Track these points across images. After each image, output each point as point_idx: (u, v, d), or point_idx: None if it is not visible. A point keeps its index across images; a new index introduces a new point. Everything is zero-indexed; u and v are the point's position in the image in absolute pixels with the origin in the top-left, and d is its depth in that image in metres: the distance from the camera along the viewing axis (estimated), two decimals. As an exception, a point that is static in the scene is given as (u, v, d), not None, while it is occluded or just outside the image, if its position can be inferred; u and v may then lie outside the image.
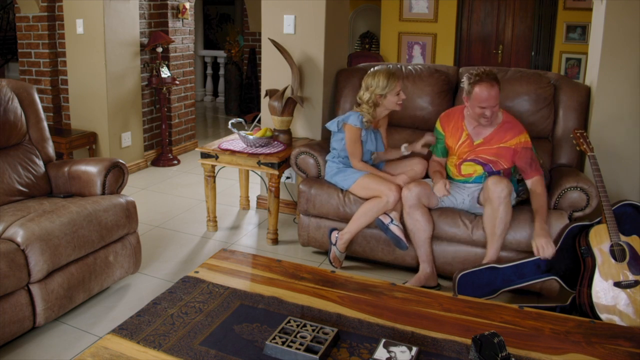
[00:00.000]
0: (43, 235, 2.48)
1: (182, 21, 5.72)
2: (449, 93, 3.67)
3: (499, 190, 2.81)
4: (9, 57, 8.88)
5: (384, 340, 1.82)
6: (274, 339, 1.82)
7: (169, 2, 5.48)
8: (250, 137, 3.64)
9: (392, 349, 1.78)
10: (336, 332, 1.88)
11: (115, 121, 4.93)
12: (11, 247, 2.40)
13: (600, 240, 2.65)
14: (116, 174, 3.07)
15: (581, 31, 6.53)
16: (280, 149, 3.62)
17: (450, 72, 3.74)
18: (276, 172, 3.52)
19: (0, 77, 5.02)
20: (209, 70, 9.10)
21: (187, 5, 5.69)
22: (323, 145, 3.61)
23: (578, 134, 2.97)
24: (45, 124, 3.24)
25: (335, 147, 3.37)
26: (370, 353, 1.81)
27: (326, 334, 1.86)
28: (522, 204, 3.08)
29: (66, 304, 2.63)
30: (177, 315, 2.00)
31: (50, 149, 3.25)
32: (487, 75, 2.84)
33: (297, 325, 1.89)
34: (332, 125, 3.36)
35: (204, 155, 3.69)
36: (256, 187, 4.48)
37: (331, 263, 3.32)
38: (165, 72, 5.27)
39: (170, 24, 5.54)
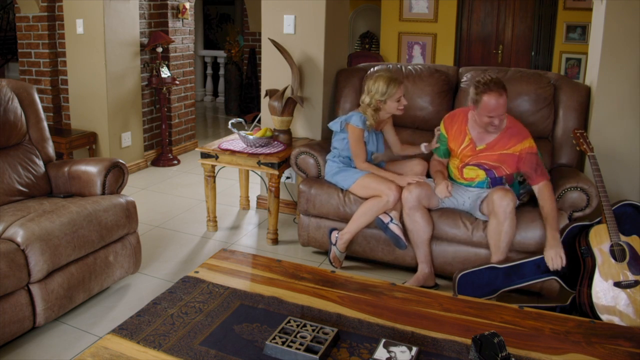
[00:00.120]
0: (43, 235, 2.48)
1: (182, 21, 5.72)
2: (449, 93, 3.67)
3: (504, 205, 2.79)
4: (9, 57, 8.88)
5: (384, 340, 1.82)
6: (274, 339, 1.82)
7: (169, 2, 5.48)
8: (250, 137, 3.64)
9: (392, 349, 1.78)
10: (336, 332, 1.88)
11: (115, 121, 4.93)
12: (11, 247, 2.40)
13: (600, 240, 2.65)
14: (116, 174, 3.07)
15: (581, 31, 6.53)
16: (280, 149, 3.62)
17: (450, 72, 3.74)
18: (276, 172, 3.52)
19: (0, 77, 5.02)
20: (209, 70, 9.10)
21: (187, 5, 5.69)
22: (323, 145, 3.61)
23: (578, 134, 2.97)
24: (45, 124, 3.24)
25: (336, 147, 3.37)
26: (370, 353, 1.81)
27: (326, 334, 1.86)
28: (522, 205, 3.08)
29: (66, 304, 2.63)
30: (177, 315, 2.00)
31: (50, 149, 3.25)
32: (495, 84, 2.80)
33: (297, 325, 1.89)
34: (334, 125, 3.36)
35: (204, 155, 3.69)
36: (256, 187, 4.48)
37: (331, 263, 3.32)
38: (165, 72, 5.27)
39: (170, 24, 5.54)
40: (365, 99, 3.22)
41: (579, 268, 2.72)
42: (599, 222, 2.74)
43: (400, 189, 3.09)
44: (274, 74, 4.02)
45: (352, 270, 3.32)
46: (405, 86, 3.31)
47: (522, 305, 2.20)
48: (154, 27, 5.38)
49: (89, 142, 4.86)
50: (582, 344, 1.92)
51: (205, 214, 3.99)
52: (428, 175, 3.26)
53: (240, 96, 8.22)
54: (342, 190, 3.30)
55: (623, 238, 2.64)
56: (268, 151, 3.57)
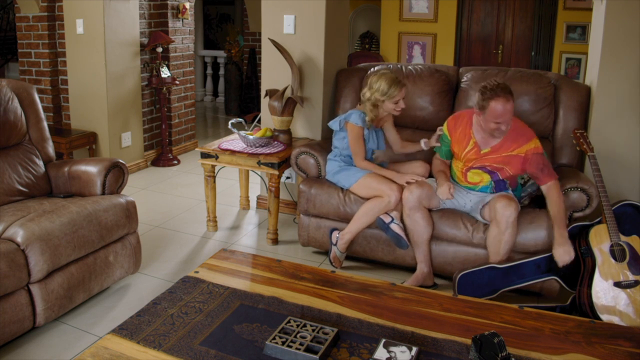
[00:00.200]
0: (43, 235, 2.48)
1: (182, 21, 5.72)
2: (449, 93, 3.67)
3: (507, 215, 2.78)
4: (9, 57, 8.88)
5: (384, 340, 1.82)
6: (274, 339, 1.82)
7: (169, 2, 5.48)
8: (250, 137, 3.64)
9: (392, 349, 1.78)
10: (336, 332, 1.88)
11: (115, 121, 4.93)
12: (11, 247, 2.40)
13: (600, 240, 2.65)
14: (116, 174, 3.07)
15: (581, 31, 6.53)
16: (280, 149, 3.62)
17: (450, 72, 3.74)
18: (276, 172, 3.52)
19: (0, 77, 5.02)
20: (209, 70, 9.09)
21: (187, 5, 5.69)
22: (323, 145, 3.61)
23: (578, 134, 2.97)
24: (45, 124, 3.24)
25: (337, 146, 3.37)
26: (370, 353, 1.81)
27: (326, 334, 1.86)
28: (522, 207, 3.07)
29: (66, 304, 2.63)
30: (177, 315, 2.00)
31: (50, 149, 3.25)
32: (502, 90, 2.76)
33: (297, 325, 1.89)
34: (334, 124, 3.36)
35: (204, 155, 3.69)
36: (256, 187, 4.48)
37: (331, 263, 3.32)
38: (165, 72, 5.27)
39: (170, 24, 5.54)
40: (366, 93, 3.22)
41: (579, 268, 2.72)
42: (599, 222, 2.74)
43: (402, 189, 3.08)
44: (274, 74, 4.02)
45: (352, 270, 3.32)
46: (407, 90, 3.29)
47: (522, 305, 2.20)
48: (154, 27, 5.38)
49: (89, 142, 4.86)
50: (582, 344, 1.92)
51: (205, 214, 3.99)
52: (430, 176, 3.26)
53: (240, 96, 8.22)
54: (342, 190, 3.30)
55: (623, 238, 2.65)
56: (268, 151, 3.57)
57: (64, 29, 4.85)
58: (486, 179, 3.01)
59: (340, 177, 3.29)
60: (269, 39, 3.85)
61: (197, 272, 2.34)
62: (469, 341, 1.84)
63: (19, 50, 5.05)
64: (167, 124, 5.51)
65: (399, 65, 3.83)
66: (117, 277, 2.95)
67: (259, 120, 4.23)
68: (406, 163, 3.38)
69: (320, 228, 3.39)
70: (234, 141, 3.79)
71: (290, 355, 1.76)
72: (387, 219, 3.10)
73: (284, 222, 4.02)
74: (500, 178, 2.98)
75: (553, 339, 1.95)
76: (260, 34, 6.27)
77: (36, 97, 3.23)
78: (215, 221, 3.88)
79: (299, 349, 1.77)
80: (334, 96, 4.04)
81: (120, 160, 3.12)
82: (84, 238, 2.66)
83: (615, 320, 2.50)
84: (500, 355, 1.67)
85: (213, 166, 3.72)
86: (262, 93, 4.04)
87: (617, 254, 2.61)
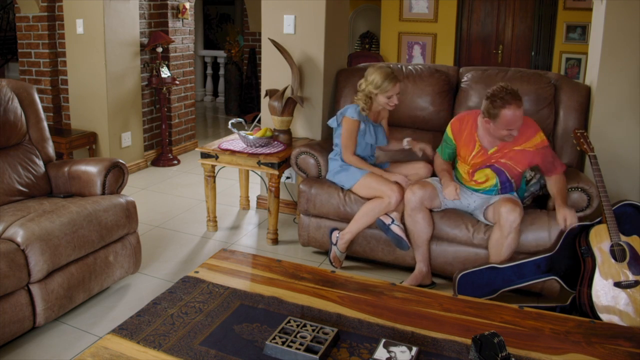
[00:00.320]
0: (43, 235, 2.48)
1: (182, 21, 5.72)
2: (449, 93, 3.66)
3: (511, 220, 2.77)
4: (9, 57, 8.88)
5: (384, 340, 1.82)
6: (274, 339, 1.82)
7: (169, 2, 5.48)
8: (250, 137, 3.64)
9: (392, 349, 1.78)
10: (336, 332, 1.88)
11: (115, 121, 4.93)
12: (11, 247, 2.40)
13: (600, 240, 2.65)
14: (116, 174, 3.07)
15: (581, 31, 6.53)
16: (280, 149, 3.62)
17: (450, 72, 3.74)
18: (276, 172, 3.52)
19: (0, 77, 5.02)
20: (209, 70, 9.10)
21: (187, 5, 5.69)
22: (323, 145, 3.61)
23: (578, 134, 2.96)
24: (45, 124, 3.24)
25: (337, 143, 3.37)
26: (370, 353, 1.81)
27: (326, 334, 1.86)
28: (524, 207, 3.07)
29: (66, 304, 2.63)
30: (177, 315, 2.00)
31: (50, 149, 3.25)
32: (512, 96, 2.73)
33: (297, 325, 1.89)
34: (332, 121, 3.37)
35: (204, 155, 3.69)
36: (256, 187, 4.48)
37: (331, 263, 3.32)
38: (165, 72, 5.27)
39: (170, 24, 5.54)
40: (362, 84, 3.24)
41: (579, 268, 2.72)
42: (599, 222, 2.74)
43: (402, 190, 3.08)
44: (274, 74, 4.02)
45: (352, 270, 3.32)
46: (401, 86, 3.29)
47: (522, 305, 2.20)
48: (154, 27, 5.38)
49: (89, 142, 4.86)
50: (582, 344, 1.92)
51: (205, 214, 3.99)
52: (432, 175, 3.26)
53: (240, 96, 8.22)
54: (342, 189, 3.30)
55: (623, 238, 2.64)
56: (268, 151, 3.57)
57: (64, 29, 4.85)
58: (493, 178, 2.98)
59: (341, 177, 3.29)
60: (269, 39, 3.86)
61: (197, 272, 2.34)
62: (469, 341, 1.84)
63: (19, 50, 5.05)
64: (167, 124, 5.51)
65: (399, 65, 3.83)
66: (117, 277, 2.95)
67: (259, 120, 4.23)
68: (408, 163, 3.37)
69: (320, 228, 3.39)
70: (234, 141, 3.79)
71: (290, 355, 1.76)
72: (387, 221, 3.10)
73: (284, 222, 4.02)
74: (508, 177, 2.96)
75: (553, 339, 1.95)
76: (260, 34, 6.27)
77: (36, 97, 3.23)
78: (215, 221, 3.88)
79: (299, 349, 1.77)
80: (334, 96, 4.04)
81: (120, 160, 3.12)
82: (84, 238, 2.66)
83: (615, 320, 2.50)
84: (500, 355, 1.67)
85: (213, 166, 3.72)
86: (262, 93, 4.04)
87: (617, 254, 2.61)
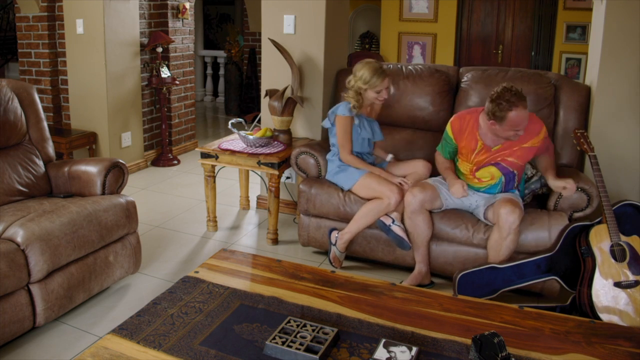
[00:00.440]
0: (43, 235, 2.48)
1: (182, 21, 5.72)
2: (449, 93, 3.66)
3: (510, 221, 2.77)
4: (9, 57, 8.88)
5: (384, 340, 1.82)
6: (274, 339, 1.82)
7: (169, 2, 5.48)
8: (250, 137, 3.64)
9: (392, 349, 1.78)
10: (336, 332, 1.88)
11: (115, 121, 4.93)
12: (11, 247, 2.40)
13: (600, 240, 2.65)
14: (116, 174, 3.07)
15: (581, 31, 6.53)
16: (280, 149, 3.62)
17: (450, 72, 3.74)
18: (276, 172, 3.52)
19: (0, 77, 5.02)
20: (209, 70, 9.09)
21: (187, 5, 5.69)
22: (323, 145, 3.61)
23: (578, 134, 2.96)
24: (45, 124, 3.24)
25: (334, 143, 3.37)
26: (370, 353, 1.81)
27: (326, 334, 1.86)
28: (525, 205, 3.07)
29: (66, 304, 2.63)
30: (177, 315, 2.00)
31: (50, 149, 3.25)
32: (517, 98, 2.72)
33: (297, 325, 1.89)
34: (326, 122, 3.38)
35: (204, 155, 3.69)
36: (256, 187, 4.48)
37: (331, 263, 3.32)
38: (165, 72, 5.27)
39: (170, 24, 5.54)
40: (351, 80, 3.24)
41: (579, 268, 2.72)
42: (599, 222, 2.74)
43: (402, 190, 3.08)
44: (274, 74, 4.02)
45: (352, 270, 3.31)
46: (390, 81, 3.29)
47: (522, 305, 2.20)
48: (154, 27, 5.38)
49: (89, 142, 4.86)
50: (582, 344, 1.92)
51: (205, 214, 3.99)
52: (432, 174, 3.25)
53: (240, 96, 8.22)
54: (342, 190, 3.30)
55: (623, 238, 2.64)
56: (268, 151, 3.57)
57: (64, 29, 4.85)
58: (497, 174, 2.98)
59: (340, 178, 3.29)
60: (269, 39, 3.85)
61: (197, 272, 2.34)
62: (469, 341, 1.84)
63: (19, 50, 5.05)
64: (167, 124, 5.51)
65: (399, 65, 3.83)
66: (117, 277, 2.95)
67: (259, 120, 4.23)
68: (407, 162, 3.37)
69: (320, 228, 3.39)
70: (234, 141, 3.79)
71: (290, 355, 1.76)
72: (387, 221, 3.10)
73: (284, 222, 4.02)
74: (511, 171, 2.96)
75: (553, 339, 1.95)
76: (260, 34, 6.27)
77: (36, 97, 3.23)
78: (215, 221, 3.88)
79: (299, 349, 1.77)
80: (334, 96, 4.04)
81: (120, 160, 3.12)
82: (84, 238, 2.66)
83: (615, 320, 2.50)
84: (500, 355, 1.67)
85: (213, 166, 3.72)
86: (262, 93, 4.04)
87: (617, 254, 2.61)
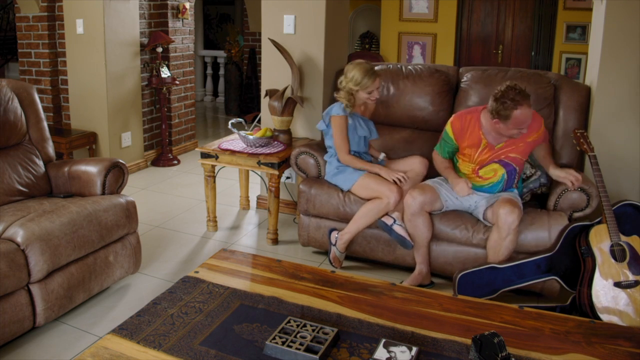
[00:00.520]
0: (43, 235, 2.48)
1: (182, 21, 5.72)
2: (449, 93, 3.66)
3: (510, 222, 2.78)
4: (9, 57, 8.88)
5: (384, 340, 1.82)
6: (274, 339, 1.82)
7: (169, 2, 5.48)
8: (250, 137, 3.64)
9: (392, 349, 1.78)
10: (336, 332, 1.88)
11: (115, 121, 4.93)
12: (11, 247, 2.40)
13: (600, 240, 2.65)
14: (116, 174, 3.07)
15: (581, 31, 6.53)
16: (280, 149, 3.62)
17: (450, 72, 3.73)
18: (276, 172, 3.52)
19: (0, 77, 5.02)
20: (209, 70, 9.09)
21: (187, 5, 5.69)
22: (323, 145, 3.61)
23: (578, 134, 2.96)
24: (45, 124, 3.24)
25: (330, 145, 3.37)
26: (370, 353, 1.81)
27: (326, 334, 1.86)
28: (524, 204, 3.07)
29: (66, 304, 2.63)
30: (177, 315, 2.00)
31: (50, 149, 3.25)
32: (522, 96, 2.74)
33: (297, 325, 1.89)
34: (321, 124, 3.39)
35: (204, 155, 3.69)
36: (256, 187, 4.48)
37: (331, 263, 3.32)
38: (165, 72, 5.27)
39: (170, 24, 5.54)
40: (342, 81, 3.25)
41: (579, 268, 2.72)
42: (599, 222, 2.74)
43: (401, 189, 3.08)
44: (274, 74, 4.02)
45: (352, 270, 3.31)
46: (381, 81, 3.31)
47: (522, 305, 2.20)
48: (154, 27, 5.38)
49: (89, 142, 4.86)
50: (582, 344, 1.92)
51: (205, 214, 3.99)
52: (428, 176, 3.25)
53: (240, 96, 8.22)
54: (342, 190, 3.30)
55: (623, 238, 2.64)
56: (268, 151, 3.57)
57: (64, 29, 4.85)
58: (499, 171, 2.98)
59: (339, 179, 3.29)
60: (269, 39, 3.86)
61: (197, 272, 2.34)
62: (469, 341, 1.84)
63: (19, 50, 5.05)
64: (167, 124, 5.51)
65: (399, 65, 3.83)
66: (117, 277, 2.95)
67: (259, 120, 4.23)
68: (403, 159, 3.34)
69: (320, 228, 3.39)
70: (234, 141, 3.79)
71: (290, 355, 1.76)
72: (389, 221, 3.10)
73: (284, 222, 4.02)
74: (514, 167, 2.97)
75: (553, 339, 1.95)
76: (260, 34, 6.27)
77: (36, 97, 3.23)
78: (215, 221, 3.88)
79: (299, 349, 1.77)
80: (334, 96, 4.03)
81: (120, 160, 3.12)
82: (84, 238, 2.66)
83: (615, 320, 2.50)
84: (500, 355, 1.67)
85: (213, 166, 3.72)
86: (262, 93, 4.04)
87: (617, 254, 2.61)
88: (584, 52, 6.29)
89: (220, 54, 8.79)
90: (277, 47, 3.77)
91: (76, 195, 3.07)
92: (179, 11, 5.61)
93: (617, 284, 2.56)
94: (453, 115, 3.12)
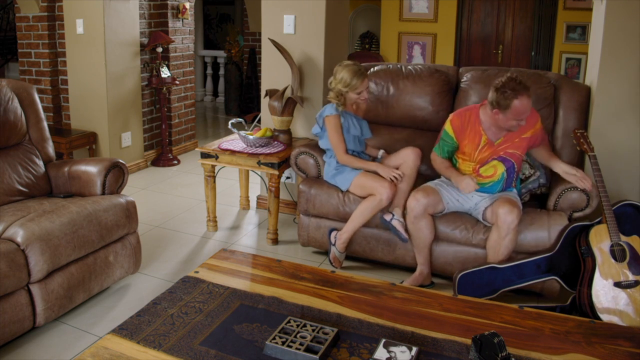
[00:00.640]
0: (43, 235, 2.48)
1: (182, 21, 5.72)
2: (449, 93, 3.66)
3: (509, 221, 2.78)
4: (9, 57, 8.88)
5: (384, 340, 1.82)
6: (274, 339, 1.82)
7: (169, 2, 5.48)
8: (250, 137, 3.64)
9: (392, 349, 1.78)
10: (336, 332, 1.88)
11: (115, 121, 4.93)
12: (11, 247, 2.40)
13: (600, 240, 2.65)
14: (116, 174, 3.07)
15: (581, 31, 6.53)
16: (280, 149, 3.62)
17: (450, 72, 3.73)
18: (276, 172, 3.52)
19: (0, 77, 5.02)
20: (209, 70, 9.09)
21: (187, 5, 5.69)
22: (323, 145, 3.61)
23: (578, 134, 2.97)
24: (45, 124, 3.24)
25: (326, 148, 3.39)
26: (370, 353, 1.81)
27: (326, 334, 1.86)
28: (523, 205, 3.07)
29: (66, 304, 2.63)
30: (177, 315, 2.00)
31: (50, 149, 3.25)
32: (522, 87, 2.76)
33: (297, 325, 1.89)
34: (315, 128, 3.41)
35: (204, 155, 3.69)
36: (256, 187, 4.48)
37: (331, 263, 3.32)
38: (165, 72, 5.27)
39: (170, 24, 5.54)
40: (332, 82, 3.27)
41: (579, 268, 2.72)
42: (599, 222, 2.74)
43: (394, 185, 3.09)
44: (274, 74, 4.02)
45: (352, 270, 3.32)
46: (368, 81, 3.32)
47: (522, 305, 2.20)
48: (154, 27, 5.38)
49: (89, 142, 4.86)
50: (582, 344, 1.92)
51: (205, 214, 3.99)
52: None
53: (240, 96, 8.22)
54: (341, 190, 3.30)
55: (623, 238, 2.64)
56: (268, 151, 3.57)
57: (64, 29, 4.85)
58: (500, 169, 2.98)
59: (338, 179, 3.30)
60: (269, 39, 3.86)
61: (197, 272, 2.34)
62: (469, 341, 1.84)
63: (19, 50, 5.05)
64: (167, 124, 5.51)
65: (398, 65, 3.83)
66: (117, 277, 2.95)
67: (259, 120, 4.23)
68: (397, 153, 3.30)
69: (320, 228, 3.39)
70: (234, 141, 3.79)
71: (290, 355, 1.76)
72: (388, 217, 3.11)
73: (284, 222, 4.02)
74: (513, 163, 2.97)
75: (553, 339, 1.95)
76: (260, 34, 6.27)
77: (36, 97, 3.23)
78: (215, 221, 3.88)
79: (299, 349, 1.77)
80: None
81: (120, 160, 3.12)
82: (84, 238, 2.66)
83: (615, 320, 2.50)
84: (500, 355, 1.67)
85: (213, 166, 3.72)
86: (262, 93, 4.04)
87: (617, 254, 2.61)
88: (584, 52, 6.29)
89: (220, 54, 8.79)
90: (277, 47, 3.77)
91: (76, 195, 3.07)
92: (179, 11, 5.61)
93: (617, 284, 2.56)
94: (451, 114, 3.11)
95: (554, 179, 3.15)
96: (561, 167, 2.94)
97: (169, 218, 4.10)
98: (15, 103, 3.06)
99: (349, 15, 5.85)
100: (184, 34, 5.78)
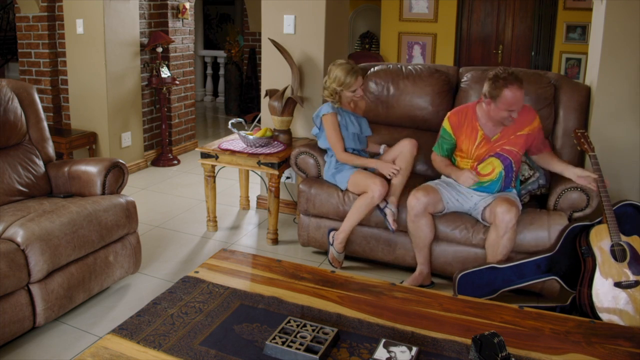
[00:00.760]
0: (43, 235, 2.48)
1: (182, 21, 5.72)
2: (449, 93, 3.66)
3: (507, 220, 2.78)
4: (9, 57, 8.88)
5: (384, 340, 1.82)
6: (274, 339, 1.82)
7: (169, 2, 5.48)
8: (250, 137, 3.64)
9: (392, 349, 1.78)
10: (336, 332, 1.88)
11: (115, 121, 4.93)
12: (11, 247, 2.40)
13: (600, 240, 2.65)
14: (116, 174, 3.07)
15: (581, 31, 6.53)
16: (280, 149, 3.62)
17: (450, 72, 3.74)
18: (276, 172, 3.52)
19: (0, 77, 5.02)
20: (209, 70, 9.10)
21: (187, 5, 5.69)
22: (323, 145, 3.62)
23: (579, 134, 2.96)
24: (45, 124, 3.24)
25: (325, 147, 3.39)
26: (370, 353, 1.81)
27: (326, 334, 1.86)
28: (523, 205, 3.07)
29: (66, 304, 2.63)
30: (177, 315, 2.00)
31: (50, 149, 3.25)
32: (514, 78, 2.79)
33: (297, 325, 1.89)
34: (314, 129, 3.41)
35: (204, 155, 3.69)
36: (256, 187, 4.48)
37: (331, 263, 3.32)
38: (165, 72, 5.27)
39: (170, 24, 5.54)
40: (327, 81, 3.29)
41: (579, 268, 2.72)
42: (599, 222, 2.74)
43: (385, 182, 3.10)
44: (274, 74, 4.03)
45: (352, 270, 3.32)
46: (363, 79, 3.33)
47: (522, 305, 2.20)
48: (154, 27, 5.38)
49: (89, 142, 4.86)
50: (582, 344, 1.92)
51: (205, 214, 3.99)
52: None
53: (240, 96, 8.23)
54: (341, 189, 3.31)
55: (624, 238, 2.64)
56: (268, 151, 3.57)
57: (64, 29, 4.85)
58: (498, 167, 2.98)
59: (337, 178, 3.31)
60: (269, 39, 3.86)
61: (197, 272, 2.34)
62: (469, 341, 1.84)
63: (19, 50, 5.05)
64: (167, 124, 5.51)
65: (399, 65, 3.83)
66: (117, 277, 2.95)
67: (259, 120, 4.23)
68: (394, 146, 3.31)
69: (320, 228, 3.39)
70: (234, 141, 3.79)
71: (290, 355, 1.76)
72: (382, 205, 3.14)
73: (284, 222, 4.02)
74: (511, 161, 2.98)
75: (553, 339, 1.95)
76: (260, 34, 6.27)
77: (36, 97, 3.23)
78: (215, 221, 3.88)
79: (299, 349, 1.77)
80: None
81: (120, 160, 3.12)
82: (84, 238, 2.66)
83: (616, 320, 2.50)
84: (500, 355, 1.67)
85: (213, 166, 3.72)
86: (262, 93, 4.04)
87: (617, 254, 2.61)
88: (584, 52, 6.29)
89: (220, 54, 8.79)
90: (277, 47, 3.77)
91: (76, 195, 3.07)
92: (179, 11, 5.61)
93: (618, 284, 2.56)
94: (449, 112, 3.15)
95: (553, 179, 3.15)
96: (575, 172, 2.91)
97: (169, 218, 4.10)
98: (15, 103, 3.07)
99: (349, 15, 5.85)
100: (184, 34, 5.78)
